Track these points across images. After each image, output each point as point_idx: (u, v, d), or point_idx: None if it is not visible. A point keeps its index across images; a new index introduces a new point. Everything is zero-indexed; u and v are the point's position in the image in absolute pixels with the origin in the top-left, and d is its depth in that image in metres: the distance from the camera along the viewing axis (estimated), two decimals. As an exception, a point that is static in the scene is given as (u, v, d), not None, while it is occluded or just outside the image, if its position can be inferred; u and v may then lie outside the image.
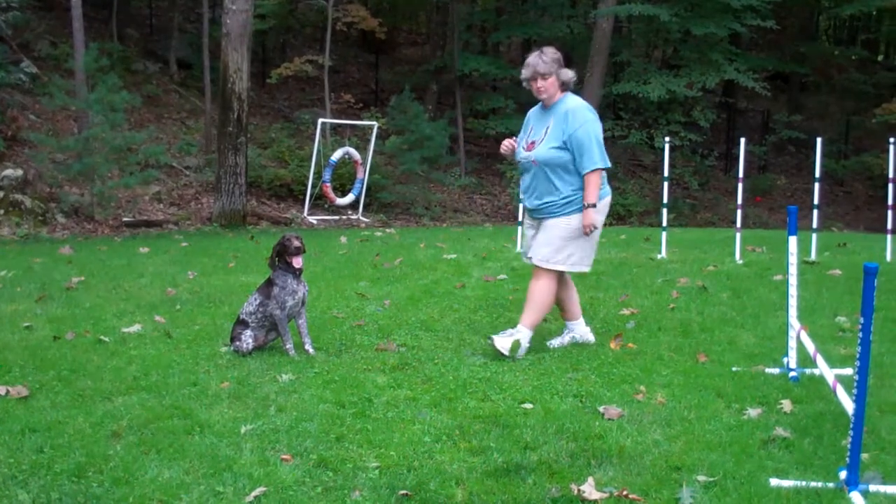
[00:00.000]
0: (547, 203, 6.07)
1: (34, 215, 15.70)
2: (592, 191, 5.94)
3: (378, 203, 20.66)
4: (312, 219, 18.70)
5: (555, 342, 6.38)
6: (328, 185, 18.72)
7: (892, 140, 10.55)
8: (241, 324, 6.02)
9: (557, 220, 6.04)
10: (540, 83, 6.05)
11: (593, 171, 5.92)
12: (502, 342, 5.98)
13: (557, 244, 6.04)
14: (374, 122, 20.35)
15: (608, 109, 26.22)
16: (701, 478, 3.93)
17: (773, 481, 3.88)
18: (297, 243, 6.02)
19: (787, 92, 32.01)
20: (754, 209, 23.36)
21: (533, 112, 6.36)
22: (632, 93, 23.34)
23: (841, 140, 29.94)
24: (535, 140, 6.13)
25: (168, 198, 18.47)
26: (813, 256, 10.49)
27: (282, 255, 6.04)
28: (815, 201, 11.01)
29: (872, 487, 3.80)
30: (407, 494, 3.78)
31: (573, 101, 6.08)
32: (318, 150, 18.91)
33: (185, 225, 16.94)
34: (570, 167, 5.98)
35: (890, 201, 10.56)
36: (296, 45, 29.15)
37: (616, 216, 22.25)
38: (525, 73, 6.11)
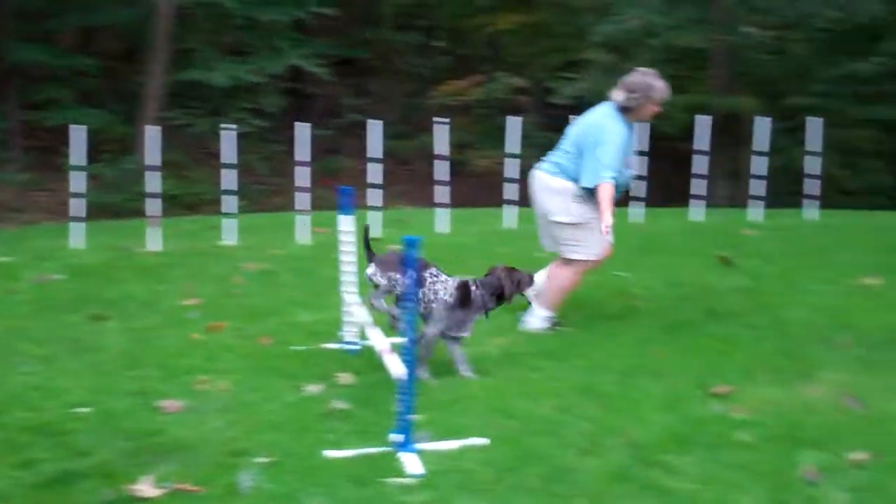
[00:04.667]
0: None
1: None
2: None
3: None
4: None
5: None
6: None
7: (434, 119, 11.53)
8: None
9: None
10: None
11: None
12: None
13: None
14: None
15: (175, 98, 25.57)
16: (261, 459, 3.98)
17: (328, 453, 4.03)
18: None
19: (354, 77, 33.21)
20: (324, 191, 23.95)
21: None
22: (198, 80, 23.02)
23: (404, 122, 31.59)
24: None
25: None
26: (378, 233, 10.93)
27: None
28: (370, 180, 11.62)
29: (422, 446, 4.07)
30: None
31: None
32: None
33: None
34: None
35: (437, 177, 11.48)
36: None
37: (185, 205, 21.79)
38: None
